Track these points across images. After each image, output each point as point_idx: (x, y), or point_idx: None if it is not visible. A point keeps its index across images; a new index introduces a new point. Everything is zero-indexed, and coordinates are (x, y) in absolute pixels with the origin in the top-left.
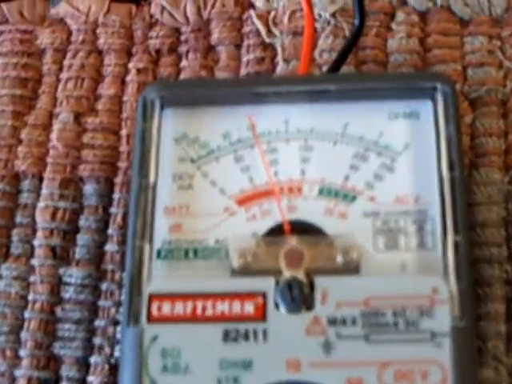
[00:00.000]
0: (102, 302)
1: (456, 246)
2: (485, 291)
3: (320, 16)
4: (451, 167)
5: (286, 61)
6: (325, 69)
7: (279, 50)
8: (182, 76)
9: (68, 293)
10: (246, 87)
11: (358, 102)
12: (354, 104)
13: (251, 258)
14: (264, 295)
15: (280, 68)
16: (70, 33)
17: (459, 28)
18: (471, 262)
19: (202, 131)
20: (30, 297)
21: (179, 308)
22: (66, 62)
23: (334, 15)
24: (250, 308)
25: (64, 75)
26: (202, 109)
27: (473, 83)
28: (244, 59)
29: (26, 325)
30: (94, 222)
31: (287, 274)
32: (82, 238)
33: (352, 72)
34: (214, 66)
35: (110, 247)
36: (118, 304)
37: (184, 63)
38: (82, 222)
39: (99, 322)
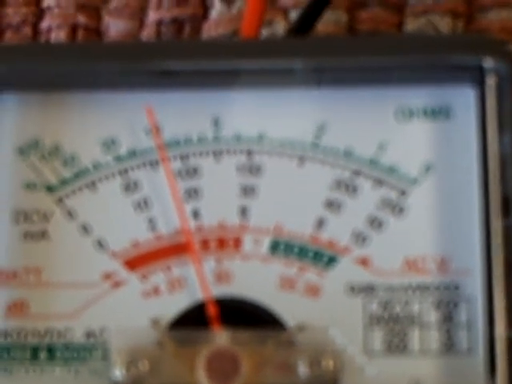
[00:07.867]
0: None
1: (511, 346)
2: None
3: None
4: (506, 210)
5: (227, 0)
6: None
7: None
8: (46, 24)
9: None
10: (146, 58)
11: (343, 90)
12: (335, 93)
13: (148, 368)
14: None
15: (216, 13)
16: None
17: None
18: None
19: (66, 136)
20: None
21: None
22: None
23: None
24: None
25: None
26: (67, 96)
27: None
28: None
29: None
30: None
31: None
32: None
33: (333, 36)
34: (101, 7)
35: None
36: None
37: (49, 1)
38: None
39: None
